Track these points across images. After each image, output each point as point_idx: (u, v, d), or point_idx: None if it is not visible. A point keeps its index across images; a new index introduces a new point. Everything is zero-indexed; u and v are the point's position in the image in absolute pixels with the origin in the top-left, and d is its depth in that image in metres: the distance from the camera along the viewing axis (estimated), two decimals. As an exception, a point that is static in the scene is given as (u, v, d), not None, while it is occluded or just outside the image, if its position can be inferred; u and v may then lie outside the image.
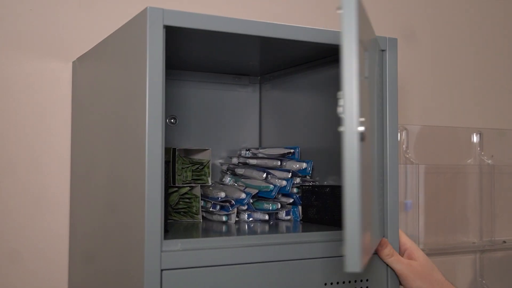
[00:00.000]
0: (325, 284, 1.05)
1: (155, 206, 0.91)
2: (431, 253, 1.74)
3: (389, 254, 1.08)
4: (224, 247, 0.97)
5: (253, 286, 0.98)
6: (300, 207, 1.30)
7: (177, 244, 0.94)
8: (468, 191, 1.85)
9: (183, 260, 0.93)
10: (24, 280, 1.30)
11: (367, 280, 1.08)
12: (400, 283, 1.10)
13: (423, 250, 1.73)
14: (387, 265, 1.09)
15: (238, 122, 1.52)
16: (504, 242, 1.88)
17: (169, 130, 1.44)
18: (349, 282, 1.07)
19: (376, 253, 1.08)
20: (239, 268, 0.97)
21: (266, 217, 1.25)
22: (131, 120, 0.98)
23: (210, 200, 1.27)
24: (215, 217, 1.26)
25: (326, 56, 1.26)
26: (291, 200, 1.30)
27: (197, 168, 1.33)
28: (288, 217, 1.29)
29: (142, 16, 0.94)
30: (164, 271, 0.91)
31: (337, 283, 1.05)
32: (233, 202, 1.24)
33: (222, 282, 0.96)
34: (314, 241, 1.05)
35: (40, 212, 1.32)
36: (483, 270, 1.85)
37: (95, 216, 1.17)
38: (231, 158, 1.46)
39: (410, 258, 1.10)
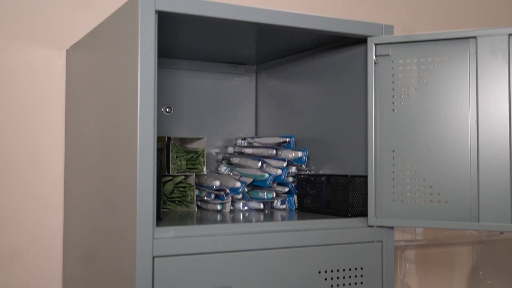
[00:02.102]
0: (319, 272, 1.04)
1: (147, 193, 0.90)
2: (429, 243, 1.74)
3: None
4: (218, 234, 0.97)
5: (246, 274, 0.98)
6: (295, 196, 1.29)
7: (169, 231, 0.93)
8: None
9: (176, 247, 0.93)
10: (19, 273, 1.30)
11: (361, 268, 1.07)
12: None
13: (420, 241, 1.73)
14: None
15: (234, 111, 1.51)
16: (502, 233, 1.87)
17: (164, 119, 1.43)
18: (343, 270, 1.06)
19: None
20: (232, 255, 0.97)
21: (261, 206, 1.25)
22: (124, 107, 0.97)
23: (204, 189, 1.27)
24: (210, 206, 1.25)
25: (323, 44, 1.25)
26: (287, 189, 1.30)
27: (192, 157, 1.32)
28: (283, 206, 1.28)
29: (133, 1, 0.93)
30: (156, 258, 0.91)
31: (331, 271, 1.05)
32: (228, 191, 1.23)
33: (215, 269, 0.95)
34: (309, 229, 1.04)
35: (34, 202, 1.31)
36: (480, 261, 1.84)
37: (88, 205, 1.16)
38: (226, 147, 1.45)
39: None
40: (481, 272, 1.84)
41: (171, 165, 1.28)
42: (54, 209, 1.33)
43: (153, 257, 0.91)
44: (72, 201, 1.27)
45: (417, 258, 1.76)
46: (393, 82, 1.09)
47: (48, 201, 1.33)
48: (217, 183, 1.24)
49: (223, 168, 1.39)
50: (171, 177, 1.28)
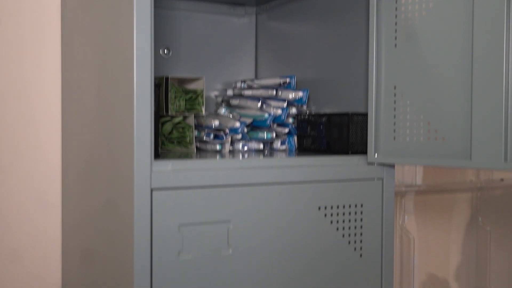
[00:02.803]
0: (319, 208, 1.03)
1: (144, 125, 0.89)
2: (429, 189, 1.74)
3: None
4: (217, 168, 0.96)
5: (245, 209, 0.97)
6: (295, 137, 1.28)
7: (168, 164, 0.93)
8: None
9: (174, 180, 0.92)
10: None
11: (361, 205, 1.07)
12: None
13: (420, 187, 1.73)
14: None
15: (234, 54, 1.48)
16: (502, 180, 1.87)
17: (163, 61, 1.41)
18: (343, 206, 1.05)
19: None
20: (231, 190, 0.96)
21: (261, 146, 1.24)
22: (120, 47, 0.95)
23: (204, 129, 1.25)
24: (209, 147, 1.24)
25: (323, -20, 1.22)
26: (287, 130, 1.28)
27: (191, 97, 1.30)
28: (283, 147, 1.27)
29: None
30: (154, 191, 0.90)
31: (331, 207, 1.04)
32: (227, 131, 1.22)
33: (214, 203, 0.95)
34: (309, 165, 1.03)
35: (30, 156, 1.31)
36: (480, 208, 1.85)
37: (86, 142, 1.15)
38: (226, 90, 1.43)
39: None
40: (480, 219, 1.84)
41: (169, 106, 1.26)
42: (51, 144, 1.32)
43: (151, 190, 0.90)
44: (70, 158, 1.26)
45: (417, 204, 1.77)
46: (396, 16, 1.07)
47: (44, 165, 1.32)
48: (216, 122, 1.23)
49: (223, 110, 1.37)
50: (169, 118, 1.26)
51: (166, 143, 1.27)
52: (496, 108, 0.94)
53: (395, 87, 1.07)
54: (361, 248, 1.07)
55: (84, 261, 1.17)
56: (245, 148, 1.24)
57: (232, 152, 1.21)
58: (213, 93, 1.46)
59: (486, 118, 0.96)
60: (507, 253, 1.90)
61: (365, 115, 1.11)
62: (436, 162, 1.04)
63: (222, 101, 1.41)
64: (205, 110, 1.32)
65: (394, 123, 1.07)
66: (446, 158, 1.02)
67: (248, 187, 0.97)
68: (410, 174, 1.71)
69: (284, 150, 1.27)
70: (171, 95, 1.27)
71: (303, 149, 1.25)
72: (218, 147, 1.22)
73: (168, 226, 0.91)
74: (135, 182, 0.89)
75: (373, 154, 1.08)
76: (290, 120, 1.29)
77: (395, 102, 1.07)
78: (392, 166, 1.11)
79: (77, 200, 1.21)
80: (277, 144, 1.27)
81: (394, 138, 1.07)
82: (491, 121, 0.95)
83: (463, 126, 0.99)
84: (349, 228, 1.06)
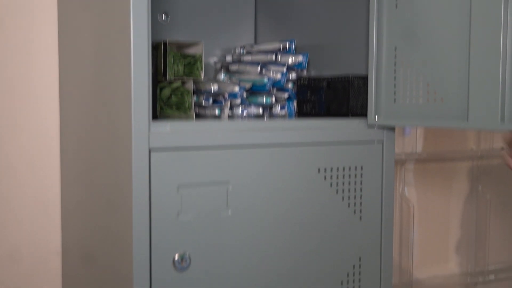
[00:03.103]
0: (319, 170, 1.03)
1: (142, 85, 0.88)
2: (429, 158, 1.73)
3: None
4: (215, 130, 0.95)
5: (245, 170, 0.97)
6: (295, 102, 1.27)
7: (166, 125, 0.92)
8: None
9: (173, 141, 0.91)
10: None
11: (361, 167, 1.07)
12: None
13: (421, 155, 1.73)
14: None
15: (233, 19, 1.46)
16: (502, 149, 1.86)
17: (161, 27, 1.39)
18: (343, 169, 1.05)
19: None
20: (230, 151, 0.96)
21: (260, 111, 1.23)
22: (117, 3, 0.93)
23: (202, 94, 1.24)
24: (208, 112, 1.23)
25: None
26: (286, 95, 1.27)
27: (189, 62, 1.28)
28: (283, 112, 1.27)
29: None
30: (152, 152, 0.89)
31: (331, 169, 1.04)
32: (226, 95, 1.21)
33: (213, 164, 0.94)
34: (309, 127, 1.03)
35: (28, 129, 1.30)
36: (480, 177, 1.84)
37: (83, 102, 1.14)
38: (225, 56, 1.42)
39: None
40: (480, 187, 1.84)
41: (168, 70, 1.25)
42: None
43: (150, 150, 0.89)
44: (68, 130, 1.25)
45: (417, 172, 1.76)
46: (397, -24, 1.05)
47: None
48: (215, 87, 1.22)
49: (222, 76, 1.36)
50: (168, 83, 1.25)
51: (165, 108, 1.26)
52: (493, 69, 0.93)
53: (395, 49, 1.06)
54: (360, 211, 1.07)
55: (83, 225, 1.17)
56: (245, 113, 1.23)
57: (231, 117, 1.20)
58: (212, 60, 1.45)
59: (483, 79, 0.95)
60: (506, 222, 1.90)
61: (365, 78, 1.10)
62: (435, 123, 1.03)
63: (221, 68, 1.40)
64: (204, 76, 1.31)
65: (394, 85, 1.06)
66: (444, 120, 1.01)
67: (247, 149, 0.96)
68: (411, 143, 1.71)
69: (283, 115, 1.26)
70: (169, 59, 1.25)
71: (302, 114, 1.24)
72: (217, 112, 1.21)
73: (167, 187, 0.91)
74: (133, 143, 0.88)
75: (373, 116, 1.07)
76: (290, 85, 1.28)
77: (395, 64, 1.06)
78: (392, 129, 1.10)
79: (75, 164, 1.20)
80: (277, 109, 1.26)
81: (394, 101, 1.06)
82: (487, 82, 0.94)
83: (460, 87, 0.98)
84: (349, 190, 1.06)
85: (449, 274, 1.85)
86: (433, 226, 1.82)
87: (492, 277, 1.84)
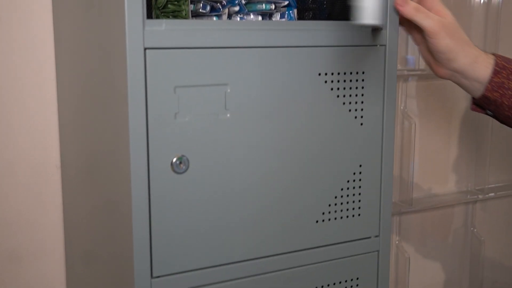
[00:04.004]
0: (319, 74, 1.00)
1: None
2: (432, 75, 1.70)
3: (416, 8, 0.99)
4: (213, 29, 0.92)
5: (243, 72, 0.94)
6: (295, 10, 1.23)
7: (161, 24, 0.89)
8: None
9: (169, 40, 0.88)
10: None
11: (363, 73, 1.04)
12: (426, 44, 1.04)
13: (423, 71, 1.69)
14: (415, 23, 1.00)
15: None
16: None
17: None
18: (344, 73, 1.02)
19: (398, 11, 1.01)
20: (228, 52, 0.93)
21: (259, 19, 1.19)
22: None
23: (200, 1, 1.20)
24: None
25: None
26: (286, 2, 1.23)
27: (186, -32, 1.24)
28: (283, 20, 1.23)
29: None
30: (148, 50, 0.87)
31: (332, 73, 1.01)
32: (224, 2, 1.16)
33: (210, 65, 0.92)
34: (310, 29, 0.99)
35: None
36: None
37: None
38: (223, -35, 1.36)
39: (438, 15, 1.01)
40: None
41: (163, -24, 1.20)
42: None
43: (145, 49, 0.86)
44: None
45: (419, 90, 1.74)
46: None
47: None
48: (213, -7, 1.17)
49: (219, -16, 1.31)
50: (164, -9, 1.21)
51: (160, 17, 1.22)
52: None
53: None
54: (362, 117, 1.05)
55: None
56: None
57: (230, 26, 1.17)
58: (210, -31, 1.39)
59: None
60: (505, 141, 1.89)
61: (368, -20, 1.05)
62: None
63: (219, -24, 1.35)
64: (201, -17, 1.26)
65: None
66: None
67: (246, 49, 0.94)
68: (414, 59, 1.67)
69: (283, 24, 1.22)
70: (164, -35, 1.21)
71: (303, 22, 1.20)
72: (214, 19, 1.17)
73: (164, 88, 0.88)
74: (127, 41, 0.85)
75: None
76: (290, -8, 1.23)
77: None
78: (395, 32, 1.06)
79: (71, 73, 1.18)
80: (276, 18, 1.22)
81: (398, 3, 1.02)
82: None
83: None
84: (350, 96, 1.03)
85: (449, 192, 1.85)
86: (434, 143, 1.81)
87: (492, 195, 1.85)
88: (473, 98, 1.08)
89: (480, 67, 1.02)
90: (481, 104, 1.07)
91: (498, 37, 1.78)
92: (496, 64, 1.02)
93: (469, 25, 1.77)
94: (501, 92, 1.02)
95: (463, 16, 1.75)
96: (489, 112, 1.09)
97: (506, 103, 1.02)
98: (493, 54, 1.04)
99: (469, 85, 1.05)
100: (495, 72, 1.02)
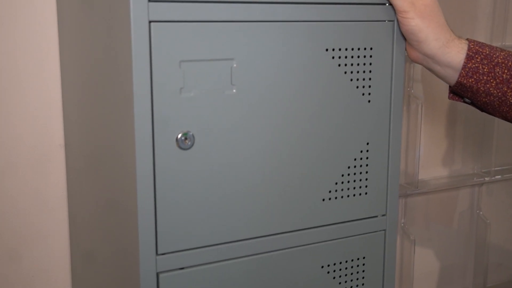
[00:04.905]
0: (327, 50, 0.98)
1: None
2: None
3: None
4: (220, 2, 0.90)
5: (250, 47, 0.93)
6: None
7: (166, -3, 0.87)
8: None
9: (174, 13, 0.86)
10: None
11: (371, 49, 1.02)
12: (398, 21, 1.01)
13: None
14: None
15: None
16: None
17: None
18: (352, 49, 1.00)
19: None
20: (234, 26, 0.90)
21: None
22: None
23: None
24: None
25: None
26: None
27: None
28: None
29: None
30: (152, 23, 0.85)
31: (339, 49, 0.99)
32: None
33: (216, 39, 0.90)
34: (317, 2, 0.97)
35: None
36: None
37: None
38: None
39: None
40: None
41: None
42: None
43: (150, 22, 0.85)
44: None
45: (425, 72, 1.72)
46: None
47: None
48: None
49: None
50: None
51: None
52: None
53: None
54: (369, 94, 1.04)
55: (85, 115, 1.14)
56: None
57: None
58: None
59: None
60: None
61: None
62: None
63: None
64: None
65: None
66: None
67: (252, 24, 0.92)
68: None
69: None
70: None
71: None
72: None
73: (169, 61, 0.87)
74: (131, 14, 0.84)
75: (384, -6, 1.02)
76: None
77: None
78: (404, 9, 1.04)
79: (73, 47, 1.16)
80: None
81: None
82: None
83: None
84: (358, 72, 1.02)
85: (455, 174, 1.84)
86: (439, 127, 1.80)
87: (498, 177, 1.83)
88: (450, 87, 1.06)
89: (452, 52, 0.99)
90: (457, 91, 1.05)
91: (506, 27, 1.76)
92: (469, 49, 0.99)
93: (475, 15, 1.75)
94: (476, 77, 0.99)
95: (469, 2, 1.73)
96: (466, 100, 1.06)
97: (482, 89, 1.00)
98: (467, 39, 1.01)
99: (442, 71, 1.02)
100: (469, 57, 0.99)
